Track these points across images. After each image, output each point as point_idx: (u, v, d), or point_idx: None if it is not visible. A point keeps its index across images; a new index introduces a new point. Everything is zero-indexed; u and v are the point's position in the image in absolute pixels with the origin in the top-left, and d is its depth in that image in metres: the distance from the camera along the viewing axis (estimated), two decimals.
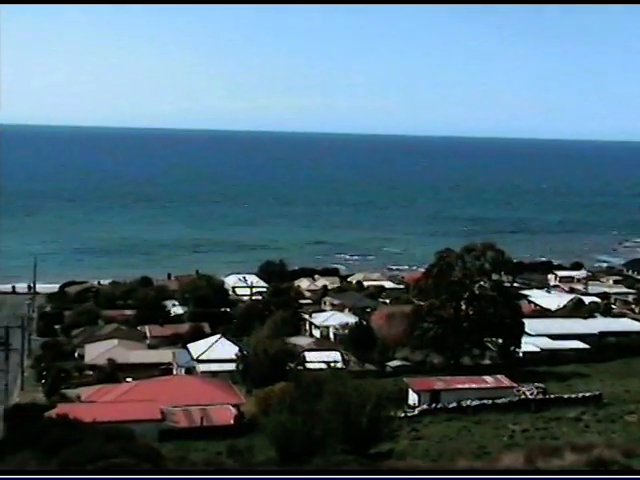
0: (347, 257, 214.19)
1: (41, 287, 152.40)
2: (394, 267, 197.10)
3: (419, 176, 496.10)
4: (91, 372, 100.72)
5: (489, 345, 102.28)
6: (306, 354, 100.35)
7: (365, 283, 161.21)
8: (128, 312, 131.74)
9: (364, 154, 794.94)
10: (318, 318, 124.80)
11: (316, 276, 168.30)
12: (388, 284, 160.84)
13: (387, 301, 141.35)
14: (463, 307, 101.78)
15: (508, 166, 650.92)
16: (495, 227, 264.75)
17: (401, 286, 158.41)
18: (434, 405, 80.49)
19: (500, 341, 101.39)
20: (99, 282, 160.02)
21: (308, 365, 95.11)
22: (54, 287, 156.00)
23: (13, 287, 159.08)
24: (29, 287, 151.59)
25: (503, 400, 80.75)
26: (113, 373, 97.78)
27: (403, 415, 76.73)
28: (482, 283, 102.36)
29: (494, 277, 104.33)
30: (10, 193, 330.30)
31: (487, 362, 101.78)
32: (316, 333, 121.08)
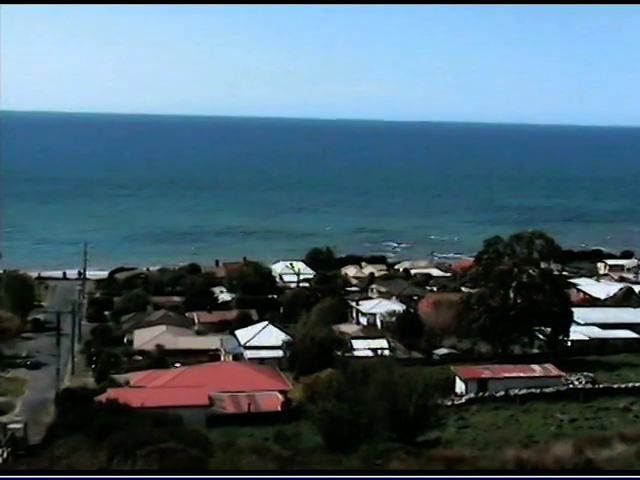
0: (395, 245, 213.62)
1: (91, 273, 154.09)
2: (442, 255, 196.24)
3: (472, 164, 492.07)
4: (140, 357, 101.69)
5: (537, 334, 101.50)
6: (353, 341, 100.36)
7: (412, 271, 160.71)
8: (176, 298, 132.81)
9: (416, 142, 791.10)
10: (365, 305, 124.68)
11: (363, 263, 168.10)
12: (435, 272, 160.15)
13: (434, 289, 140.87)
14: (511, 295, 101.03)
15: (560, 154, 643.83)
16: (547, 216, 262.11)
17: (448, 274, 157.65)
18: (481, 393, 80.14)
19: (548, 330, 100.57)
20: (148, 268, 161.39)
21: (355, 352, 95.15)
22: (104, 273, 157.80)
23: (64, 273, 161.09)
24: (79, 273, 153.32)
25: (551, 389, 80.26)
26: (162, 359, 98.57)
27: (450, 403, 76.55)
28: (531, 271, 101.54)
29: (543, 265, 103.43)
30: (62, 180, 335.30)
31: (535, 351, 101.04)
32: (363, 320, 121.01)
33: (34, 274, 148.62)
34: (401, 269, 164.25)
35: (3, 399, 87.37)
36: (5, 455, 49.58)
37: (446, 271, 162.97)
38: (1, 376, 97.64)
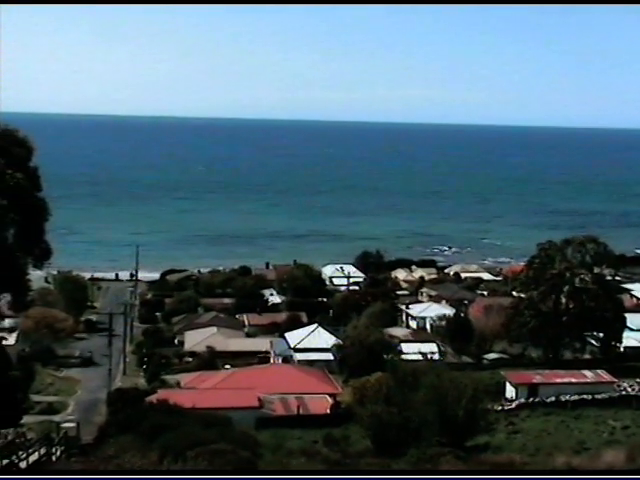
0: (445, 248, 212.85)
1: (143, 275, 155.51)
2: (493, 259, 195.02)
3: (523, 168, 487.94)
4: (190, 359, 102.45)
5: (589, 339, 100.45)
6: (402, 345, 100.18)
7: (463, 275, 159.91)
8: (227, 300, 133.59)
9: (467, 145, 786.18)
10: (415, 309, 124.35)
11: (413, 267, 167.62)
12: (486, 276, 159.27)
13: (485, 293, 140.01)
14: (563, 300, 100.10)
15: (616, 158, 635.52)
16: (600, 220, 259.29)
17: (499, 278, 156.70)
18: (532, 399, 79.51)
19: (601, 335, 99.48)
20: (199, 270, 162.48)
21: (404, 356, 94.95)
22: (155, 275, 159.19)
23: (116, 274, 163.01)
24: (131, 275, 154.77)
25: (603, 395, 79.33)
26: (212, 360, 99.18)
27: (500, 408, 76.07)
28: (583, 276, 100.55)
29: (596, 270, 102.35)
30: (116, 182, 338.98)
31: (587, 357, 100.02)
32: (412, 324, 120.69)
33: (87, 275, 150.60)
34: (451, 273, 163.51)
35: (56, 398, 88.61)
36: (58, 453, 50.28)
37: (497, 275, 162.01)
38: (55, 375, 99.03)
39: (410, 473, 33.99)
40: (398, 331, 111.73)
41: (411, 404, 60.58)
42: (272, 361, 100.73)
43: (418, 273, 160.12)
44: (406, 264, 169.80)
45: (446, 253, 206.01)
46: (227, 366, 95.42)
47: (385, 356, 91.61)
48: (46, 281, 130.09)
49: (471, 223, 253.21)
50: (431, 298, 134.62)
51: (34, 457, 46.43)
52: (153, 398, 69.08)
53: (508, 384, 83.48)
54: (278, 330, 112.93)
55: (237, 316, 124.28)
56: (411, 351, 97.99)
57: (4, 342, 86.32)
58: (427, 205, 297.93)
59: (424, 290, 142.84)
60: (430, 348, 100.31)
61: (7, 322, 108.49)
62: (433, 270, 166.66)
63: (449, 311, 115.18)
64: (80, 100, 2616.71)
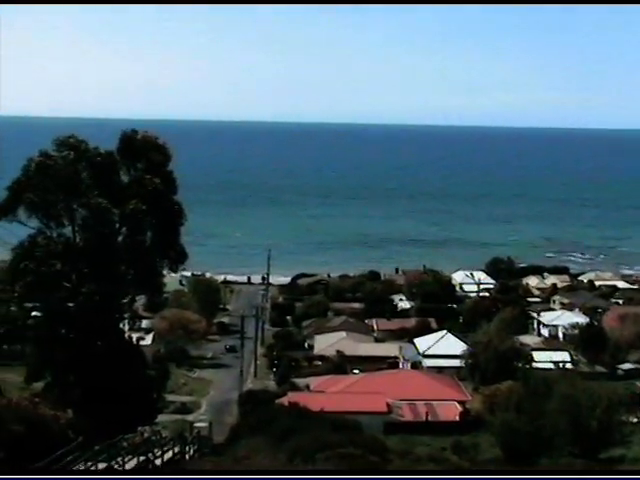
0: (579, 255, 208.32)
1: (274, 279, 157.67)
2: (628, 267, 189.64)
3: None
4: (320, 362, 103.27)
5: None
6: (534, 353, 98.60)
7: (597, 282, 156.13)
8: (356, 305, 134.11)
9: (602, 150, 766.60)
10: (547, 317, 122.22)
11: (545, 274, 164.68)
12: (622, 284, 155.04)
13: (620, 302, 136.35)
14: None
15: None
16: None
17: (636, 286, 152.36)
18: None
19: None
20: (329, 275, 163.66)
21: (535, 364, 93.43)
22: (286, 279, 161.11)
23: (248, 278, 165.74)
24: (263, 278, 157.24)
25: None
26: (341, 364, 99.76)
27: (636, 420, 73.94)
28: None
29: None
30: (250, 187, 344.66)
31: None
32: (544, 332, 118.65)
33: (220, 278, 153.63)
34: (585, 280, 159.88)
35: (190, 398, 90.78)
36: (192, 452, 51.45)
37: (633, 283, 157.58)
38: (188, 376, 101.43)
39: (410, 473, 33.53)
40: (529, 339, 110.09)
41: (543, 413, 59.50)
42: (401, 366, 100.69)
43: (550, 280, 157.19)
44: (538, 271, 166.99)
45: (579, 260, 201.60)
46: (356, 370, 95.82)
47: (516, 364, 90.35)
48: (180, 283, 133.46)
49: (608, 230, 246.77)
50: (564, 306, 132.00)
51: (168, 455, 47.58)
52: (283, 400, 69.97)
53: None
54: (407, 335, 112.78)
55: (366, 321, 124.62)
56: (542, 359, 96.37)
57: (141, 342, 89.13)
58: (566, 211, 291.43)
59: (556, 298, 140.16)
60: (562, 357, 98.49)
61: (144, 323, 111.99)
62: (566, 277, 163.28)
63: (582, 319, 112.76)
64: (179, 106, 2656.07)
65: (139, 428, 59.19)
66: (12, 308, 64.38)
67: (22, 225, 60.97)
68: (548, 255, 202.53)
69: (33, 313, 62.13)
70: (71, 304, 58.95)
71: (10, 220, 60.35)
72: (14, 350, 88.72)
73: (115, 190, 59.81)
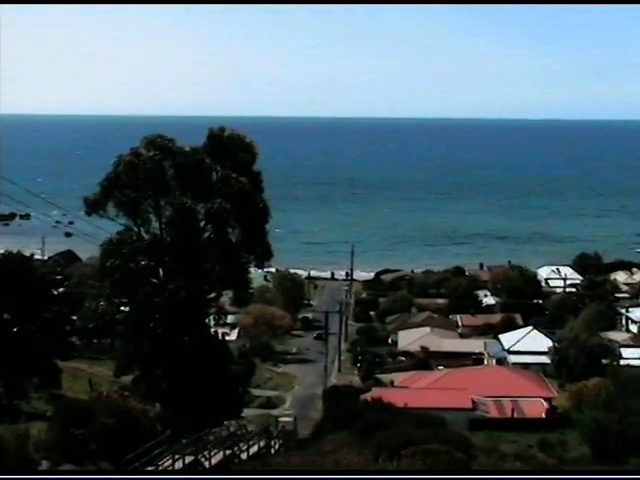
0: None
1: (358, 274, 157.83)
2: None
3: None
4: (404, 358, 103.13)
5: None
6: (622, 350, 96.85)
7: None
8: (440, 301, 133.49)
9: None
10: (635, 313, 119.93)
11: (634, 269, 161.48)
12: None
13: None
14: None
15: None
16: None
17: None
18: None
19: None
20: (412, 270, 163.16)
21: (624, 361, 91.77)
22: (370, 275, 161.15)
23: (332, 273, 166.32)
24: (347, 274, 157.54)
25: None
26: (425, 360, 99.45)
27: None
28: None
29: None
30: (336, 181, 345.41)
31: None
32: (633, 328, 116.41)
33: (304, 274, 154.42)
34: None
35: (275, 393, 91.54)
36: (277, 447, 51.94)
37: None
38: (273, 371, 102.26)
39: (410, 473, 33.02)
40: (617, 335, 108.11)
41: (633, 411, 58.40)
42: (486, 363, 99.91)
43: (639, 276, 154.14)
44: (626, 266, 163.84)
45: None
46: (440, 366, 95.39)
47: (604, 361, 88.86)
48: (265, 279, 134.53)
49: None
50: None
51: (254, 449, 48.10)
52: (367, 396, 70.01)
53: None
54: (492, 331, 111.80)
55: (450, 316, 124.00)
56: (632, 356, 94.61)
57: (226, 337, 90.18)
58: None
59: None
60: None
61: (230, 318, 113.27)
62: None
63: None
64: (248, 102, 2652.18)
65: (225, 422, 59.94)
66: (101, 303, 65.74)
67: (111, 221, 62.38)
68: (638, 250, 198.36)
69: (121, 308, 63.41)
70: (158, 299, 60.00)
71: (100, 216, 61.84)
72: (104, 344, 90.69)
73: (201, 188, 60.70)
